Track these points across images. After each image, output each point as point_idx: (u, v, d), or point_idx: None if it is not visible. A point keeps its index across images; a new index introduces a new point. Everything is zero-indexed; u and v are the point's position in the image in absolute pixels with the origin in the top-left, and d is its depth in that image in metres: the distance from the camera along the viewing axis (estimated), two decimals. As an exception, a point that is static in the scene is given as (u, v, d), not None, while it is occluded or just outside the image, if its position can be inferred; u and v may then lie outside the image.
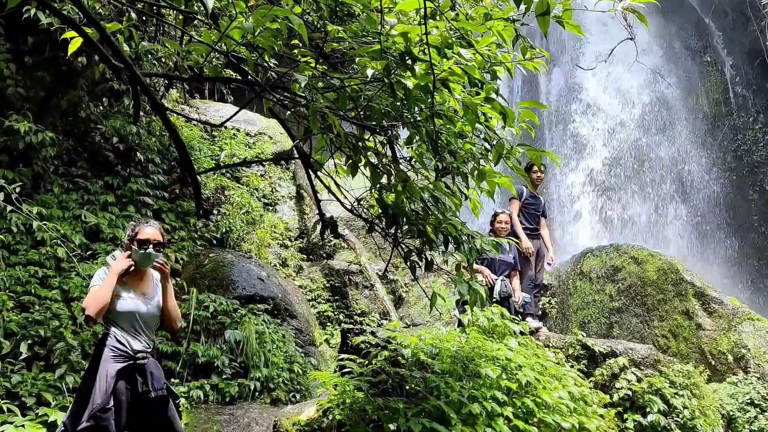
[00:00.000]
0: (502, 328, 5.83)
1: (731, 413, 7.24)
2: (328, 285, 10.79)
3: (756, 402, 7.34)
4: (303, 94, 3.44)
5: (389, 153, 4.31)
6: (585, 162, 16.75)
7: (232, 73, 6.68)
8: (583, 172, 16.55)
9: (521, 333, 6.19)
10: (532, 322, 8.05)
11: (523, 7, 2.49)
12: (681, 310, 8.83)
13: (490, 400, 4.53)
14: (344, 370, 5.26)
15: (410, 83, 2.82)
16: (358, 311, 10.47)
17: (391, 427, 4.42)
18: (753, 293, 15.26)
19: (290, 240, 11.61)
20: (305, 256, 11.57)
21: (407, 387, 5.03)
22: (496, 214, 8.41)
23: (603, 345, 7.13)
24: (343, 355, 5.54)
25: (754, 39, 15.41)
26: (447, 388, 4.62)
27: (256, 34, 2.94)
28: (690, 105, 17.26)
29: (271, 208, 11.80)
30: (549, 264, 9.61)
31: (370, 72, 2.88)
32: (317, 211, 4.85)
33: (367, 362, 5.25)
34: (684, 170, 16.62)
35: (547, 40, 17.24)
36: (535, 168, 9.16)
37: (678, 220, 16.00)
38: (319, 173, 4.15)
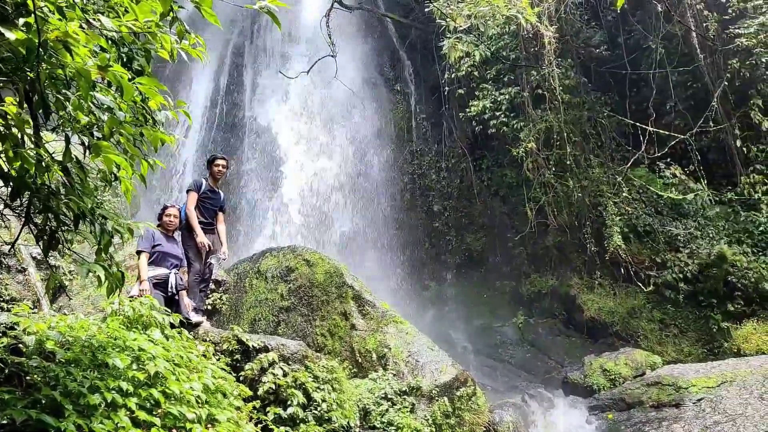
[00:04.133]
0: (147, 318, 5.64)
1: (367, 406, 7.93)
2: (-29, 266, 9.43)
3: (389, 396, 8.15)
4: None
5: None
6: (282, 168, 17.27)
7: None
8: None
9: (172, 326, 6.04)
10: (195, 317, 7.96)
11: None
12: (340, 311, 9.49)
13: (113, 391, 4.33)
14: (-52, 359, 4.60)
15: (13, 36, 2.56)
16: (7, 297, 9.32)
17: (-3, 420, 4.00)
18: (413, 296, 17.13)
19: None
20: (-54, 232, 9.99)
21: (28, 378, 4.60)
22: (165, 207, 8.17)
23: (257, 340, 7.32)
24: (-49, 343, 4.84)
25: (436, 77, 17.39)
26: (67, 378, 4.30)
27: None
28: (379, 127, 18.83)
29: None
30: (223, 259, 9.61)
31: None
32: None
33: (-20, 350, 4.66)
34: (366, 185, 18.02)
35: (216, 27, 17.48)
36: (218, 161, 9.11)
37: (352, 229, 17.25)
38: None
